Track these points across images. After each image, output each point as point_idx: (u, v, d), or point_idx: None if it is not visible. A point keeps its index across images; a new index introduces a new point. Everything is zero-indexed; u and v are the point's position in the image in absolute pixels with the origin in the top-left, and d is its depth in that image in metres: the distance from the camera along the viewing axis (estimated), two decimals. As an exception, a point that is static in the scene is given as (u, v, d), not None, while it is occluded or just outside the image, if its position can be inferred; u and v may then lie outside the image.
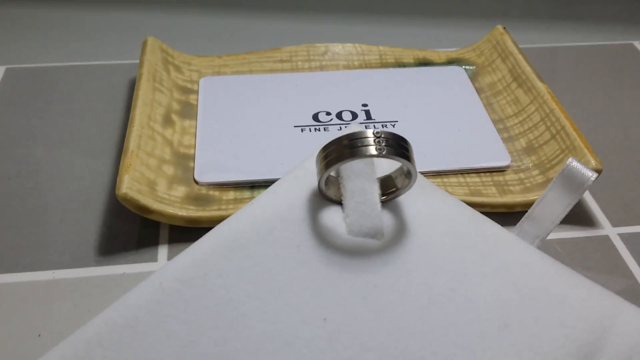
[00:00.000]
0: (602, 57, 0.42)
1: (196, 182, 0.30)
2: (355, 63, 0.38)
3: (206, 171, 0.30)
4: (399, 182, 0.26)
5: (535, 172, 0.31)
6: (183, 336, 0.21)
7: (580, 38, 0.44)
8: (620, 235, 0.29)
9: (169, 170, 0.30)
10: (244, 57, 0.38)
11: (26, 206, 0.30)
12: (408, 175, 0.25)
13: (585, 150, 0.29)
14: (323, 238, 0.25)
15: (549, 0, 0.49)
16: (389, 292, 0.24)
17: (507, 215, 0.29)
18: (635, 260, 0.28)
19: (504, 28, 0.39)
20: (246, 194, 0.30)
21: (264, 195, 0.26)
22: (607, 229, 0.30)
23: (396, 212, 0.26)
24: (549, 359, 0.22)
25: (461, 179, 0.31)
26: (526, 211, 0.29)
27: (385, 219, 0.26)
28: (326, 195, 0.26)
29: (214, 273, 0.23)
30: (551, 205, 0.27)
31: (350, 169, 0.26)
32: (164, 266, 0.23)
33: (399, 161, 0.24)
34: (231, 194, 0.30)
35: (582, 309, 0.24)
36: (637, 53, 0.42)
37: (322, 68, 0.38)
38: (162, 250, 0.28)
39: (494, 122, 0.34)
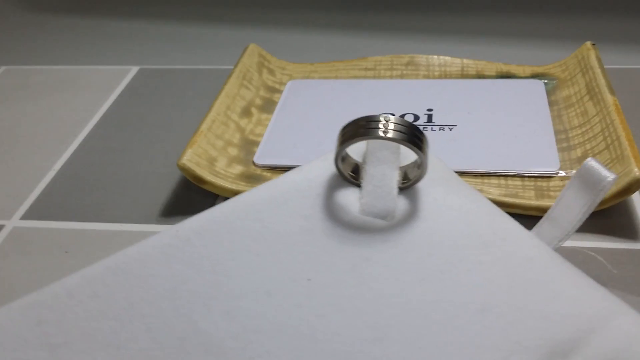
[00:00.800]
0: None
1: (254, 164, 0.33)
2: (436, 74, 0.40)
3: (265, 155, 0.34)
4: (411, 173, 0.27)
5: (581, 180, 0.30)
6: (183, 275, 0.24)
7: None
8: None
9: (233, 151, 0.34)
10: (332, 65, 0.41)
11: (117, 173, 0.35)
12: (420, 166, 0.27)
13: (632, 159, 0.28)
14: (332, 212, 0.27)
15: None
16: (378, 266, 0.25)
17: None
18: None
19: (593, 44, 0.38)
20: (294, 177, 0.32)
21: (292, 172, 0.29)
22: (651, 243, 0.28)
23: (412, 198, 0.28)
24: (520, 347, 0.22)
25: (502, 182, 0.31)
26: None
27: (400, 204, 0.27)
28: (341, 172, 0.28)
29: (225, 229, 0.26)
30: (569, 206, 0.26)
31: (375, 155, 0.28)
32: (187, 219, 0.26)
33: (407, 146, 0.26)
34: (281, 176, 0.33)
35: (574, 307, 0.23)
36: None
37: (402, 77, 0.40)
38: (211, 217, 0.32)
39: (558, 132, 0.33)
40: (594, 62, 0.36)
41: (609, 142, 0.31)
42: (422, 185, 0.28)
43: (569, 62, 0.38)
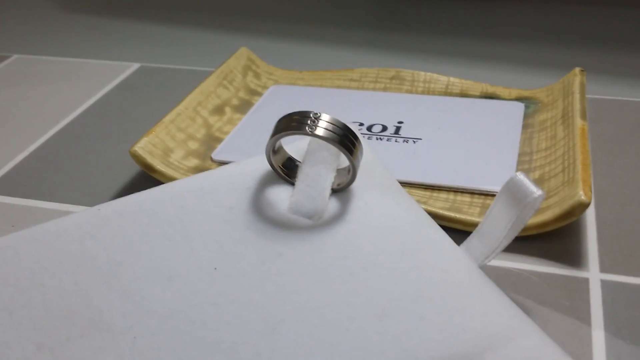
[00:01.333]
0: None
1: (211, 159, 0.33)
2: (419, 89, 0.39)
3: (224, 151, 0.34)
4: (342, 176, 0.27)
5: (531, 201, 0.29)
6: (92, 252, 0.24)
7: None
8: (603, 281, 0.26)
9: (194, 145, 0.34)
10: (320, 74, 0.41)
11: (84, 158, 0.36)
12: (349, 171, 0.26)
13: (580, 183, 0.27)
14: (259, 207, 0.27)
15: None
16: (288, 262, 0.24)
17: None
18: (603, 307, 0.25)
19: (582, 70, 0.36)
20: (246, 175, 0.32)
21: (229, 165, 0.28)
22: (592, 272, 0.26)
23: (343, 201, 0.27)
24: (410, 355, 0.21)
25: (451, 196, 0.30)
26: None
27: (331, 206, 0.27)
28: (273, 166, 0.27)
29: (146, 212, 0.26)
30: (496, 221, 0.25)
31: (313, 155, 0.27)
32: (115, 200, 0.27)
33: (335, 146, 0.25)
34: (235, 173, 0.32)
35: (477, 323, 0.22)
36: None
37: (385, 90, 0.39)
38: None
39: (523, 154, 0.32)
40: (576, 87, 0.35)
41: (566, 165, 0.29)
42: (356, 189, 0.28)
43: (556, 87, 0.37)
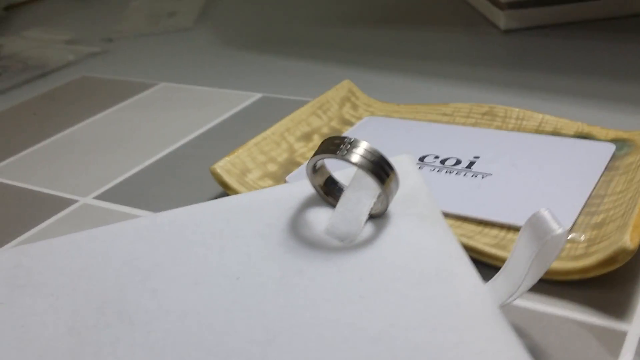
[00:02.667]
0: None
1: (285, 182, 0.35)
2: (509, 126, 0.38)
3: (299, 175, 0.36)
4: (378, 204, 0.27)
5: (583, 245, 0.27)
6: (138, 252, 0.27)
7: None
8: (643, 335, 0.24)
9: (273, 167, 0.36)
10: (415, 107, 0.42)
11: (185, 173, 0.40)
12: (382, 200, 0.27)
13: (629, 228, 0.25)
14: (295, 226, 0.28)
15: None
16: (306, 279, 0.26)
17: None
18: (633, 363, 0.23)
19: (687, 111, 0.33)
20: (312, 198, 0.34)
21: (281, 185, 0.30)
22: (634, 325, 0.24)
23: (378, 227, 0.28)
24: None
25: (502, 233, 0.29)
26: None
27: (365, 231, 0.28)
28: (313, 184, 0.28)
29: (193, 222, 0.29)
30: (518, 258, 0.24)
31: (358, 180, 0.29)
32: (175, 209, 0.30)
33: (366, 172, 0.26)
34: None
35: (471, 358, 0.22)
36: None
37: (475, 125, 0.39)
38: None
39: (596, 196, 0.30)
40: (672, 128, 0.32)
41: (627, 209, 0.27)
42: (394, 216, 0.28)
43: (657, 128, 0.34)
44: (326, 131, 0.40)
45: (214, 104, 0.50)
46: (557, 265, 0.26)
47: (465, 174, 0.33)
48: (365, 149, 0.27)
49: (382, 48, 0.59)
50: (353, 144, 0.27)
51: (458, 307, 0.24)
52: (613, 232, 0.26)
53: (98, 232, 0.29)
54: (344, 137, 0.27)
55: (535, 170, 0.33)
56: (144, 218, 0.29)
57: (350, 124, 0.41)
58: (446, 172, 0.34)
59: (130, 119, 0.49)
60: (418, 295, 0.24)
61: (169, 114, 0.50)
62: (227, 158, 0.35)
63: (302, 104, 0.48)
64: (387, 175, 0.26)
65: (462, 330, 0.23)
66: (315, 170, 0.28)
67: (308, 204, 0.29)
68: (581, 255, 0.26)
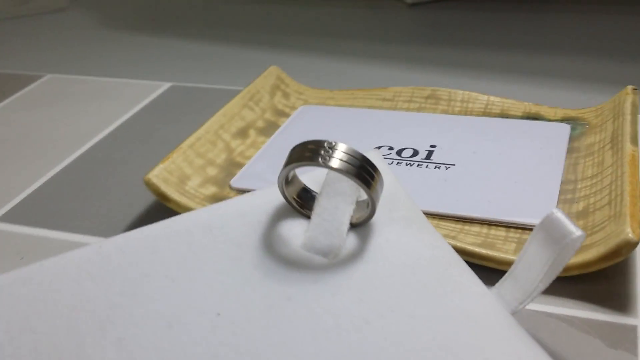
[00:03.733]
0: None
1: (230, 187, 0.32)
2: (456, 109, 0.37)
3: (244, 178, 0.32)
4: (358, 212, 0.25)
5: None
6: (89, 293, 0.23)
7: None
8: (655, 329, 0.23)
9: (212, 171, 0.32)
10: (352, 93, 0.39)
11: (103, 184, 0.35)
12: (369, 205, 0.24)
13: (627, 218, 0.24)
14: (269, 243, 0.25)
15: None
16: (299, 307, 0.22)
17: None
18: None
19: (634, 89, 0.33)
20: (266, 204, 0.30)
21: (240, 196, 0.27)
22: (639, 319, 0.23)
23: (363, 237, 0.25)
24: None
25: (484, 230, 0.27)
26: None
27: (349, 242, 0.25)
28: (286, 197, 0.25)
29: (149, 249, 0.24)
30: (531, 263, 0.23)
31: (331, 186, 0.25)
32: (120, 235, 0.25)
33: (351, 179, 0.23)
34: (253, 202, 0.31)
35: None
36: None
37: (419, 110, 0.37)
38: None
39: (567, 182, 0.29)
40: (627, 107, 0.32)
41: (613, 196, 0.26)
42: (377, 223, 0.25)
43: (605, 107, 0.34)
44: (261, 125, 0.37)
45: (118, 97, 0.45)
46: (553, 262, 0.25)
47: (427, 166, 0.31)
48: (345, 152, 0.24)
49: (289, 27, 0.55)
50: (331, 147, 0.24)
51: (474, 323, 0.22)
52: (606, 223, 0.25)
53: (31, 272, 0.24)
54: (318, 141, 0.24)
55: (498, 157, 0.32)
56: (85, 249, 0.25)
57: (285, 114, 0.38)
58: (406, 164, 0.32)
59: (19, 120, 0.43)
60: (427, 314, 0.22)
61: (66, 110, 0.43)
62: (161, 165, 0.31)
63: (219, 92, 0.44)
64: (372, 177, 0.24)
65: (484, 347, 0.21)
66: (288, 181, 0.25)
67: (277, 216, 0.26)
68: (578, 249, 0.25)
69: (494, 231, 0.27)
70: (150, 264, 0.24)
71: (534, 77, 0.43)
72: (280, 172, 0.24)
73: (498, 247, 0.26)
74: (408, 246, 0.24)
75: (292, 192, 0.25)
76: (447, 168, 0.31)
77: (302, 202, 0.25)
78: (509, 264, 0.25)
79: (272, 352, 0.21)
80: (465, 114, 0.36)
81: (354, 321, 0.22)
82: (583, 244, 0.25)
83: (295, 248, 0.24)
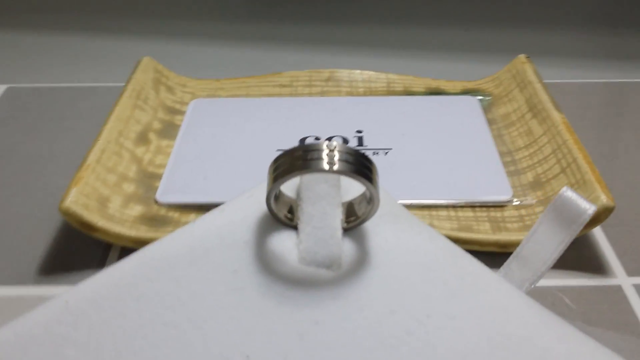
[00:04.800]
0: (632, 94, 0.37)
1: (157, 202, 0.27)
2: (360, 90, 0.36)
3: (169, 191, 0.28)
4: (361, 208, 0.23)
5: (539, 208, 0.27)
6: (74, 362, 0.18)
7: (610, 75, 0.40)
8: (636, 286, 0.25)
9: (129, 188, 0.28)
10: (242, 81, 0.36)
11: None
12: (370, 201, 0.22)
13: (596, 185, 0.25)
14: (267, 264, 0.22)
15: (582, 37, 0.45)
16: (331, 331, 0.20)
17: (501, 256, 0.25)
18: (651, 315, 0.23)
19: (527, 57, 0.35)
20: (208, 217, 0.27)
21: (209, 213, 0.23)
22: (620, 278, 0.25)
23: (359, 241, 0.23)
24: None
25: (452, 213, 0.27)
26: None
27: (346, 249, 0.23)
28: (275, 214, 0.23)
29: (130, 295, 0.20)
30: (542, 242, 0.23)
31: (312, 190, 0.23)
32: (78, 284, 0.20)
33: (356, 179, 0.21)
34: (192, 217, 0.27)
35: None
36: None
37: (323, 94, 0.35)
38: (105, 272, 0.25)
39: (502, 154, 0.30)
40: (532, 76, 0.33)
41: (565, 165, 0.27)
42: (367, 223, 0.24)
43: (502, 76, 0.35)
44: (158, 126, 0.32)
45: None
46: (532, 235, 0.25)
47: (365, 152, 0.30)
48: (343, 151, 0.21)
49: (140, 10, 0.49)
50: (333, 150, 0.21)
51: (509, 314, 0.21)
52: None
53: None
54: (307, 147, 0.21)
55: (427, 136, 0.31)
56: (44, 308, 0.19)
57: (179, 112, 0.34)
58: (342, 154, 0.30)
59: None
60: (462, 311, 0.21)
61: None
62: (75, 189, 0.25)
63: (70, 91, 0.38)
64: (371, 170, 0.22)
65: (533, 339, 0.20)
66: (277, 198, 0.22)
67: (262, 231, 0.23)
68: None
69: (461, 213, 0.27)
70: (138, 312, 0.20)
71: (405, 50, 0.44)
72: (270, 189, 0.21)
73: (475, 228, 0.26)
74: (409, 243, 0.23)
75: (284, 209, 0.22)
76: (385, 153, 0.30)
77: (291, 216, 0.23)
78: (492, 244, 0.25)
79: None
80: (371, 94, 0.35)
81: (395, 334, 0.20)
82: (555, 214, 0.26)
83: (294, 265, 0.22)
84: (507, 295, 0.21)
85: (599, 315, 0.23)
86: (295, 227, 0.23)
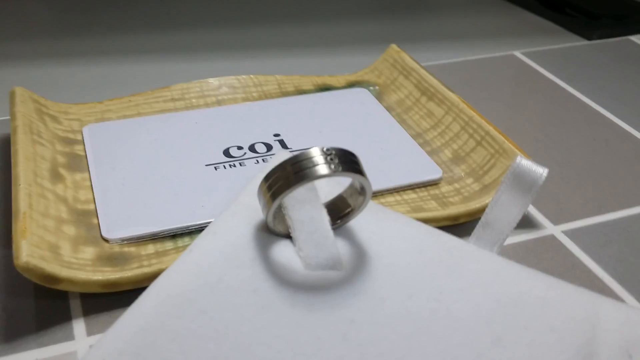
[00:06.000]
0: (488, 68, 0.42)
1: (106, 240, 0.25)
2: (254, 95, 0.36)
3: (115, 226, 0.26)
4: (353, 200, 0.23)
5: (469, 180, 0.30)
6: None
7: (466, 53, 0.44)
8: (565, 232, 0.29)
9: (70, 230, 0.25)
10: (129, 100, 0.34)
11: None
12: (362, 191, 0.23)
13: (517, 151, 0.29)
14: (280, 277, 0.22)
15: (433, 22, 0.50)
16: (368, 326, 0.21)
17: (451, 228, 0.27)
18: (587, 254, 0.27)
19: (398, 46, 0.38)
20: (168, 245, 0.26)
21: (202, 240, 0.22)
22: (550, 228, 0.29)
23: (349, 238, 0.24)
24: None
25: (398, 197, 0.29)
26: (470, 221, 0.27)
27: (340, 247, 0.23)
28: (274, 231, 0.23)
29: (166, 337, 0.19)
30: (505, 208, 0.25)
31: (293, 197, 0.23)
32: (100, 340, 0.18)
33: (353, 177, 0.22)
34: (150, 248, 0.25)
35: (565, 309, 0.22)
36: (519, 61, 0.43)
37: (219, 103, 0.35)
38: (79, 325, 0.23)
39: (413, 137, 0.33)
40: (413, 63, 0.36)
41: (478, 138, 0.31)
42: (350, 222, 0.24)
43: (380, 66, 0.38)
44: (63, 160, 0.29)
45: None
46: (474, 205, 0.28)
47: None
48: (335, 154, 0.22)
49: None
50: (329, 154, 0.22)
51: (502, 276, 0.23)
52: (493, 160, 0.29)
53: None
54: (297, 157, 0.21)
55: (341, 131, 0.33)
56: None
57: (75, 141, 0.31)
58: (272, 158, 0.30)
59: None
60: (466, 283, 0.23)
61: None
62: (24, 241, 0.22)
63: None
64: (359, 164, 0.22)
65: (530, 292, 0.23)
66: (275, 216, 0.22)
67: (260, 246, 0.23)
68: (489, 186, 0.29)
69: (406, 196, 0.29)
70: (184, 353, 0.19)
71: (264, 50, 0.45)
72: (270, 208, 0.21)
73: (426, 207, 0.28)
74: (393, 232, 0.24)
75: (284, 226, 0.22)
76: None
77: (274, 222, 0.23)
78: (445, 219, 0.27)
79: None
80: (266, 97, 0.36)
81: (424, 315, 0.21)
82: (486, 181, 0.29)
83: (302, 272, 0.22)
84: (491, 261, 0.24)
85: (548, 263, 0.27)
86: (287, 236, 0.23)
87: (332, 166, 0.21)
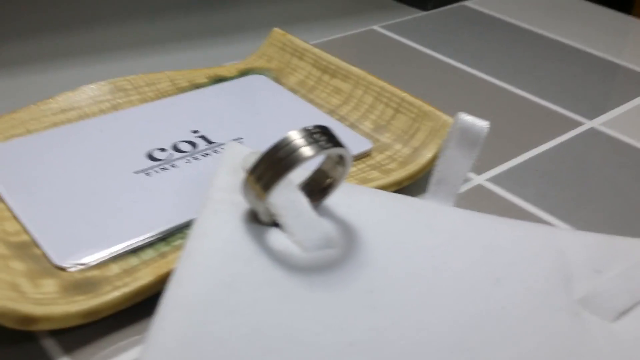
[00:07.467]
0: (356, 44, 0.44)
1: (61, 269, 0.22)
2: (150, 95, 0.33)
3: (65, 252, 0.23)
4: (333, 172, 0.23)
5: (398, 145, 0.31)
6: None
7: (328, 33, 0.46)
8: (489, 179, 0.31)
9: (19, 266, 0.22)
10: (12, 117, 0.30)
11: None
12: (340, 161, 0.23)
13: (439, 112, 0.30)
14: (285, 264, 0.21)
15: (285, 6, 0.50)
16: (386, 293, 0.21)
17: (396, 192, 0.28)
18: (517, 195, 0.30)
19: (282, 30, 0.38)
20: (133, 261, 0.23)
21: (196, 243, 0.21)
22: (475, 179, 0.31)
23: (330, 215, 0.24)
24: (548, 298, 0.22)
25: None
26: (413, 184, 0.28)
27: (327, 225, 0.23)
28: (264, 221, 0.22)
29: (212, 344, 0.18)
30: (455, 163, 0.27)
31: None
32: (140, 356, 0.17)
33: (337, 151, 0.22)
34: (114, 268, 0.23)
35: (536, 243, 0.24)
36: (380, 34, 0.46)
37: (115, 108, 0.32)
38: (67, 366, 0.20)
39: (328, 114, 0.33)
40: (303, 44, 0.36)
41: (395, 106, 0.32)
42: (327, 201, 0.24)
43: (268, 51, 0.37)
44: (-33, 192, 0.25)
45: None
46: (413, 168, 0.29)
47: (222, 148, 0.29)
48: (316, 132, 0.22)
49: None
50: (312, 133, 0.21)
51: (472, 226, 0.25)
52: (415, 124, 0.31)
53: None
54: (273, 148, 0.21)
55: (257, 118, 0.32)
56: None
57: (-30, 170, 0.27)
58: (202, 155, 0.29)
59: None
60: (461, 241, 0.24)
61: None
62: (-17, 285, 0.19)
63: None
64: (336, 136, 0.22)
65: (495, 230, 0.25)
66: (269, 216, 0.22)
67: (255, 238, 0.22)
68: (419, 148, 0.30)
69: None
70: (234, 351, 0.17)
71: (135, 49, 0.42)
72: (264, 202, 0.21)
73: (371, 178, 0.29)
74: (368, 203, 0.25)
75: (267, 212, 0.22)
76: (241, 143, 0.30)
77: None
78: (393, 184, 0.28)
79: (416, 331, 0.20)
80: (164, 95, 0.34)
81: (427, 278, 0.22)
82: (415, 144, 0.30)
83: (303, 256, 0.22)
84: (456, 213, 0.25)
85: (487, 209, 0.29)
86: (272, 224, 0.22)
87: (316, 146, 0.21)
